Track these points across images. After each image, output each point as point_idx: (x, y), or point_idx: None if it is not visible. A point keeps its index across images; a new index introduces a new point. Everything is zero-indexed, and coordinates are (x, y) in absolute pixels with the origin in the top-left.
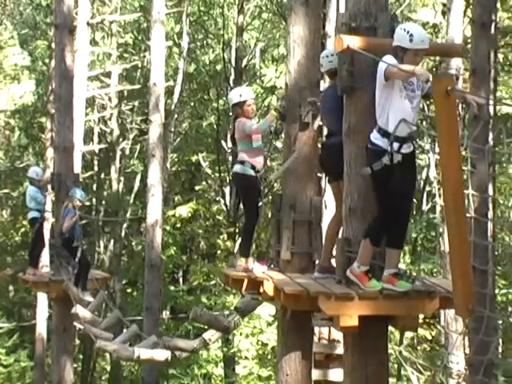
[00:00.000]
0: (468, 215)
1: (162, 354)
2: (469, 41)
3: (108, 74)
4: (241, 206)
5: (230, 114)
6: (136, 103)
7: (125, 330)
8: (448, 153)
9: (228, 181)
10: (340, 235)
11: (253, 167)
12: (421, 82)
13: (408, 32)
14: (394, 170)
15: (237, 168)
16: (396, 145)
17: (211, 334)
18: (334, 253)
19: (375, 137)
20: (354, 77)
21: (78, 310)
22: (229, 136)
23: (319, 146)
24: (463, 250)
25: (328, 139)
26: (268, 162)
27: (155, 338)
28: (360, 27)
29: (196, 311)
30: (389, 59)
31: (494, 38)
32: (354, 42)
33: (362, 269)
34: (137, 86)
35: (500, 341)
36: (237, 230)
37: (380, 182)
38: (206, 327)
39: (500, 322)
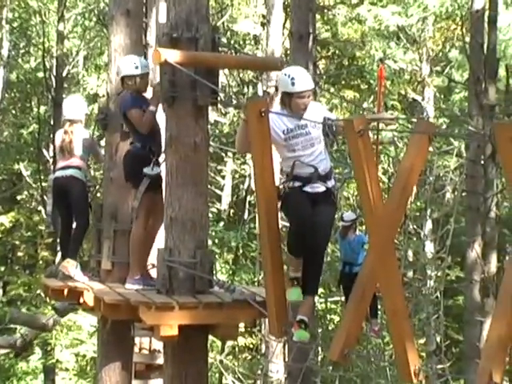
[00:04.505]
0: None
1: None
2: (288, 53)
3: None
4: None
5: (52, 123)
6: None
7: None
8: (262, 167)
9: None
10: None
11: (85, 175)
12: (312, 124)
13: (289, 76)
14: None
15: (73, 172)
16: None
17: (28, 330)
18: (155, 262)
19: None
20: (176, 86)
21: None
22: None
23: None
24: (276, 263)
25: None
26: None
27: None
28: (181, 38)
29: (13, 313)
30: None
31: (311, 50)
32: (172, 56)
33: (298, 318)
34: None
35: (319, 348)
36: (57, 240)
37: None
38: None
39: (319, 329)
